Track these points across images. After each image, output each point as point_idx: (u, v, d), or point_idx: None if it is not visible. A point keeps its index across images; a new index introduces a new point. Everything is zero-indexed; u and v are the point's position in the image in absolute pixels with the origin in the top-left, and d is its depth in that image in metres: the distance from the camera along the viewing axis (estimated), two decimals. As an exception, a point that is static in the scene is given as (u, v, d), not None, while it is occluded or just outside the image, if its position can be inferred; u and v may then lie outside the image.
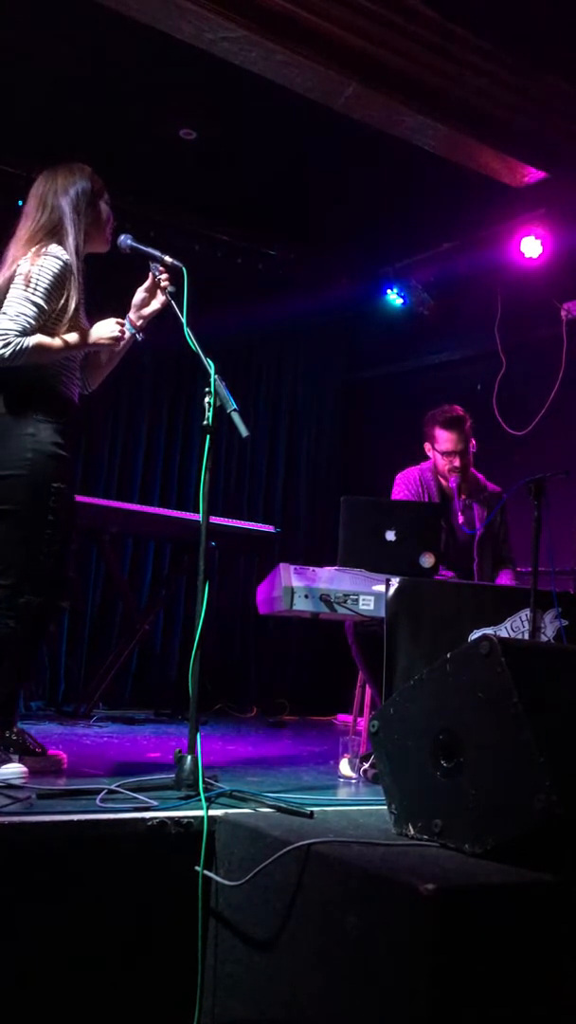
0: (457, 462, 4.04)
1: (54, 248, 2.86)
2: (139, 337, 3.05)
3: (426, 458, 4.19)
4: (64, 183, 2.96)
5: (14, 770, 2.72)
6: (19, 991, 2.05)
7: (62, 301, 2.85)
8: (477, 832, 1.94)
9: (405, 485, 4.09)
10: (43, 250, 2.85)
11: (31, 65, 4.72)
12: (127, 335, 3.04)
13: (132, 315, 3.03)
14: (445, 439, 4.05)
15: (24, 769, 2.75)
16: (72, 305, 2.87)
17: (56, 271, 2.83)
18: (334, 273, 6.90)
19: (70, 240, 2.90)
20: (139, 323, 3.03)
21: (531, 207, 5.51)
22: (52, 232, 2.91)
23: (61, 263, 2.84)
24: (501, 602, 3.33)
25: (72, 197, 2.94)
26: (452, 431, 4.05)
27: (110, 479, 6.01)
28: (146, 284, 3.00)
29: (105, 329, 2.92)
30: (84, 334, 2.90)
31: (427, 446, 4.15)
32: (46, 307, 2.81)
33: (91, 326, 2.95)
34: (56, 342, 2.84)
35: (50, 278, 2.82)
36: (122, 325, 2.94)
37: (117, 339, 2.94)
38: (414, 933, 1.66)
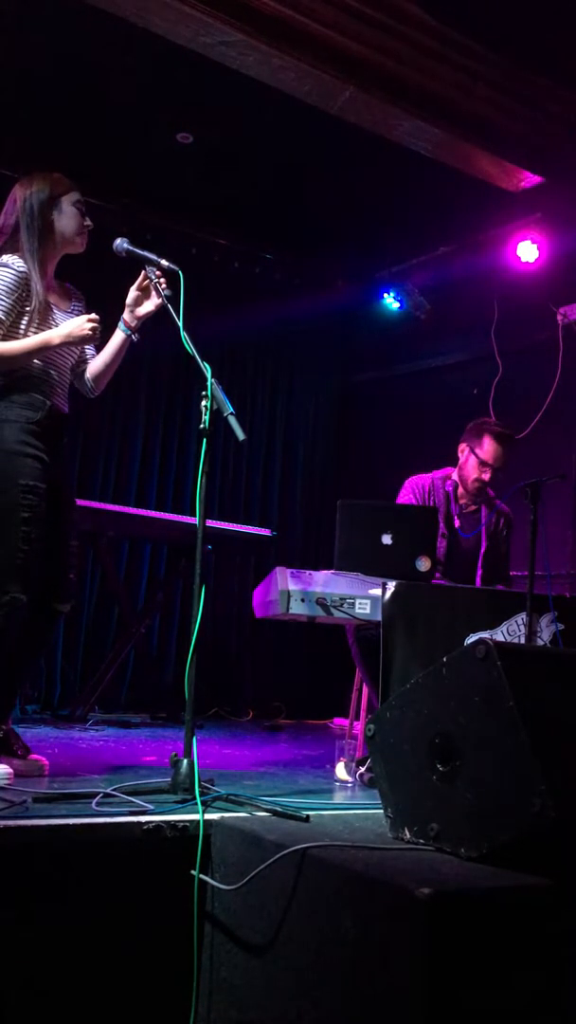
0: (488, 476, 3.94)
1: (5, 258, 2.88)
2: (135, 338, 3.02)
3: (444, 463, 4.09)
4: (23, 193, 2.95)
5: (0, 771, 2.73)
6: (14, 995, 2.04)
7: (17, 306, 2.85)
8: (473, 836, 1.94)
9: (412, 490, 4.02)
10: None
11: (27, 69, 4.72)
12: (121, 336, 3.02)
13: (126, 316, 3.01)
14: (493, 450, 3.94)
15: (10, 770, 2.76)
16: (32, 309, 2.87)
17: (5, 280, 2.85)
18: (330, 277, 6.91)
19: (26, 247, 2.90)
20: (134, 324, 3.00)
21: (527, 211, 5.52)
22: (13, 243, 2.92)
23: (11, 271, 2.86)
24: (497, 606, 3.33)
25: (28, 206, 2.93)
26: (503, 446, 3.94)
27: (106, 482, 6.00)
28: (137, 283, 2.98)
29: (73, 326, 2.87)
30: (50, 334, 2.87)
31: (463, 447, 4.02)
32: (2, 317, 2.83)
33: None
34: (15, 346, 2.84)
35: (1, 288, 2.84)
36: (94, 322, 2.88)
37: (88, 336, 2.87)
38: (410, 937, 1.66)
